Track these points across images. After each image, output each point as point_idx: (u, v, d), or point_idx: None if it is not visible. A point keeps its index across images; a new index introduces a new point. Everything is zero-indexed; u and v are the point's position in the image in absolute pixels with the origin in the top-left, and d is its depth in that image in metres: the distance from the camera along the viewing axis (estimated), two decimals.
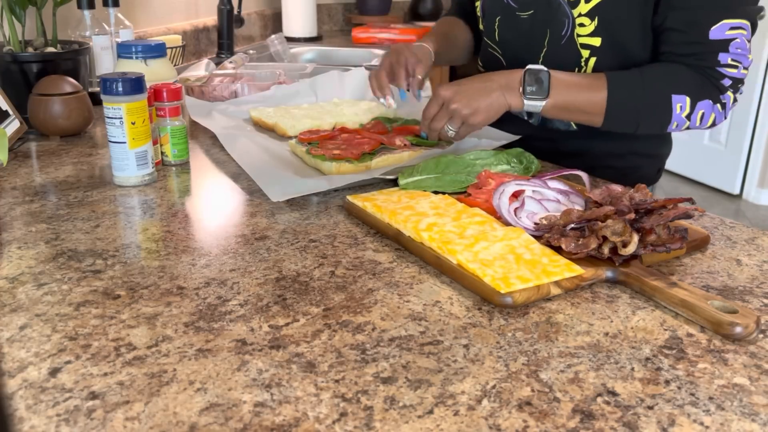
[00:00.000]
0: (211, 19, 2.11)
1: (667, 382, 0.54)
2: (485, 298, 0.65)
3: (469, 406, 0.50)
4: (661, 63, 0.99)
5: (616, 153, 1.12)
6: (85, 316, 0.62)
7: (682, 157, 3.89)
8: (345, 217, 0.86)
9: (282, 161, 1.04)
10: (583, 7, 1.01)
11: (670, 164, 1.27)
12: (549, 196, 0.82)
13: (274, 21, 2.58)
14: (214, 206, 0.90)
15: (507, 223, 0.79)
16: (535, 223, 0.77)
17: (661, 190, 1.22)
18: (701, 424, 0.49)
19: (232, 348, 0.57)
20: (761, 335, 0.61)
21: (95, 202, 0.90)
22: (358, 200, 0.85)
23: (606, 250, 0.70)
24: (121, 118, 0.93)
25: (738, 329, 0.59)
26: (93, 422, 0.48)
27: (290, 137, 1.16)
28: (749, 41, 0.95)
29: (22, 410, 0.50)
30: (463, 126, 0.98)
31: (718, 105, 0.97)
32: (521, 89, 0.96)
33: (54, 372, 0.54)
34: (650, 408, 0.51)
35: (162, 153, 1.04)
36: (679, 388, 0.53)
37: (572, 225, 0.74)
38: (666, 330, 0.61)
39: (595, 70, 1.04)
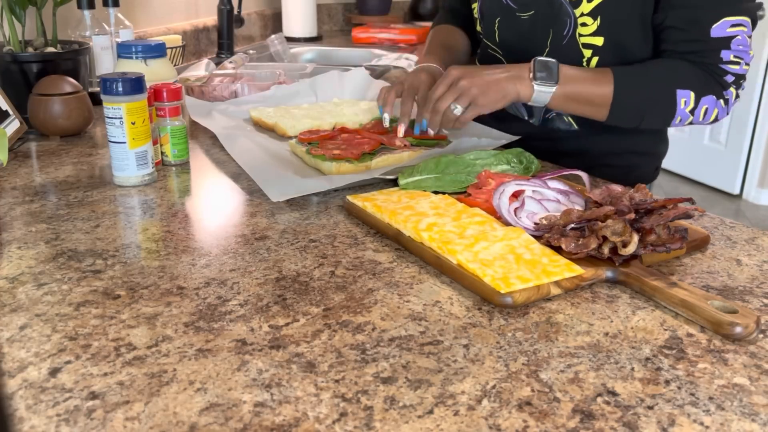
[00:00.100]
0: (211, 19, 2.11)
1: (667, 382, 0.54)
2: (485, 298, 0.65)
3: (469, 406, 0.50)
4: (664, 59, 1.00)
5: (615, 152, 1.12)
6: (85, 316, 0.62)
7: (682, 157, 3.89)
8: (345, 217, 0.86)
9: (282, 161, 1.04)
10: (586, 7, 1.01)
11: (671, 164, 1.28)
12: (549, 196, 0.82)
13: (274, 21, 2.58)
14: (214, 206, 0.90)
15: (507, 223, 0.79)
16: (535, 223, 0.77)
17: (661, 190, 1.22)
18: (701, 424, 0.49)
19: (232, 348, 0.57)
20: (761, 335, 0.61)
21: (95, 202, 0.90)
22: (358, 200, 0.85)
23: (606, 250, 0.70)
24: (121, 118, 0.93)
25: (738, 329, 0.59)
26: (93, 422, 0.48)
27: (290, 137, 1.16)
28: (750, 37, 0.96)
29: (22, 410, 0.50)
30: (470, 107, 0.97)
31: (721, 101, 0.98)
32: (531, 76, 0.96)
33: (54, 372, 0.54)
34: (650, 408, 0.51)
35: (162, 153, 1.04)
36: (679, 388, 0.53)
37: (572, 225, 0.74)
38: (666, 330, 0.61)
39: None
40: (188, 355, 0.56)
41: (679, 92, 0.96)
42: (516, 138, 1.11)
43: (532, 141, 1.10)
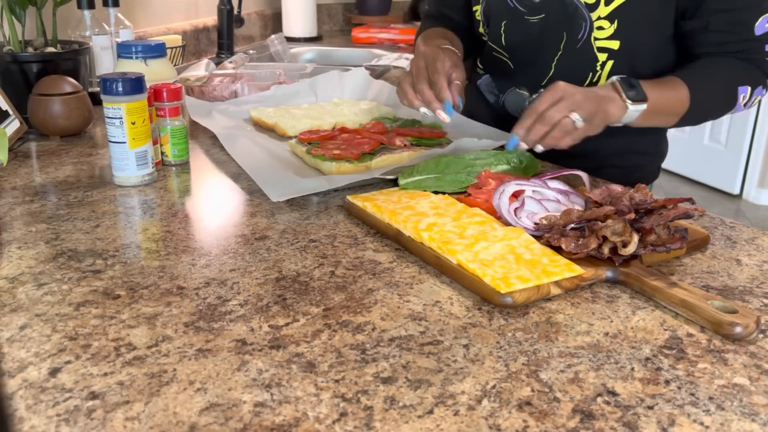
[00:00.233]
0: (211, 19, 2.11)
1: (667, 382, 0.54)
2: (485, 298, 0.65)
3: (469, 406, 0.50)
4: (714, 59, 1.02)
5: (618, 152, 1.12)
6: (85, 316, 0.62)
7: (682, 157, 3.89)
8: (345, 217, 0.86)
9: (282, 161, 1.04)
10: (603, 10, 1.01)
11: (671, 164, 1.28)
12: (549, 196, 0.82)
13: (274, 21, 2.58)
14: (214, 206, 0.90)
15: (507, 223, 0.79)
16: (535, 223, 0.77)
17: (661, 190, 1.22)
18: (701, 424, 0.49)
19: (232, 348, 0.57)
20: (761, 335, 0.61)
21: (95, 202, 0.90)
22: (358, 200, 0.85)
23: (606, 250, 0.70)
24: (121, 118, 0.93)
25: (738, 329, 0.59)
26: (93, 422, 0.48)
27: (290, 137, 1.16)
28: None
29: (22, 410, 0.50)
30: (584, 123, 0.90)
31: (765, 89, 1.05)
32: (622, 96, 0.94)
33: (54, 372, 0.54)
34: (650, 408, 0.51)
35: (162, 153, 1.04)
36: (679, 388, 0.53)
37: (572, 225, 0.74)
38: (666, 330, 0.61)
39: (611, 73, 1.05)
40: (188, 355, 0.56)
41: (740, 89, 1.01)
42: None
43: None
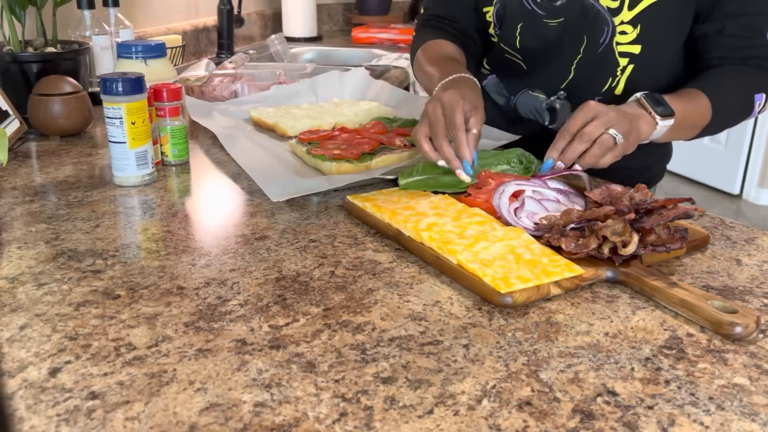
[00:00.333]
0: (211, 19, 2.11)
1: (667, 382, 0.54)
2: (485, 298, 0.65)
3: (469, 406, 0.50)
4: (728, 67, 1.00)
5: (627, 154, 1.09)
6: (85, 316, 0.62)
7: (682, 157, 3.89)
8: (345, 217, 0.86)
9: (282, 161, 1.04)
10: (626, 15, 0.99)
11: (671, 164, 1.28)
12: (549, 196, 0.82)
13: (274, 21, 2.58)
14: (214, 206, 0.90)
15: (507, 223, 0.79)
16: (535, 223, 0.77)
17: (661, 190, 1.22)
18: (701, 424, 0.49)
19: (232, 348, 0.57)
20: (761, 335, 0.61)
21: (95, 202, 0.90)
22: (358, 200, 0.85)
23: (606, 250, 0.70)
24: (121, 118, 0.93)
25: (738, 329, 0.59)
26: (93, 422, 0.48)
27: (290, 137, 1.16)
28: None
29: (22, 410, 0.50)
30: (623, 140, 0.87)
31: None
32: (651, 113, 0.92)
33: (54, 372, 0.54)
34: (650, 408, 0.51)
35: (162, 153, 1.04)
36: (679, 388, 0.53)
37: (572, 225, 0.74)
38: (666, 330, 0.61)
39: (630, 78, 1.04)
40: (188, 355, 0.56)
41: (756, 96, 1.01)
42: (516, 138, 1.11)
43: (532, 141, 1.09)
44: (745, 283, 0.71)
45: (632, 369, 0.55)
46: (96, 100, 1.27)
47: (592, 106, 0.88)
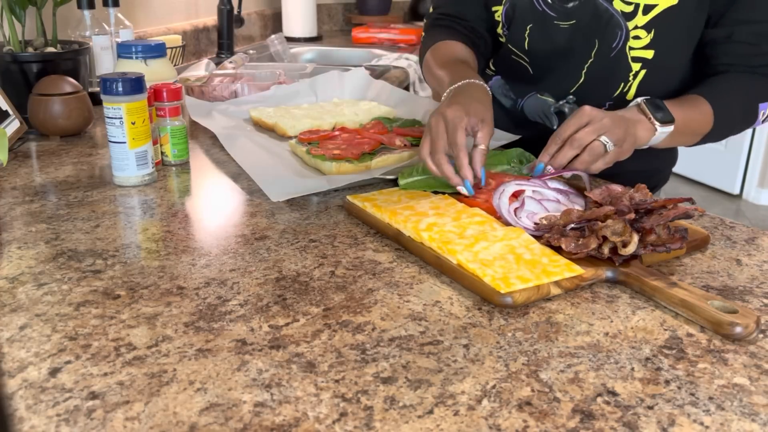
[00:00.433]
0: (211, 19, 2.11)
1: (667, 382, 0.54)
2: (485, 298, 0.65)
3: (469, 406, 0.50)
4: (734, 75, 0.99)
5: (636, 157, 1.03)
6: (85, 316, 0.62)
7: (682, 157, 3.87)
8: (345, 217, 0.86)
9: (282, 161, 1.04)
10: (641, 20, 0.97)
11: None
12: (549, 196, 0.82)
13: (274, 21, 2.58)
14: (214, 206, 0.90)
15: (507, 223, 0.79)
16: (535, 223, 0.77)
17: (661, 190, 1.22)
18: (701, 424, 0.49)
19: (232, 348, 0.57)
20: (761, 335, 0.61)
21: (95, 202, 0.90)
22: (358, 200, 0.85)
23: (606, 250, 0.70)
24: (121, 118, 0.93)
25: (738, 329, 0.59)
26: (93, 422, 0.48)
27: (290, 137, 1.16)
28: None
29: (22, 410, 0.50)
30: (615, 147, 0.86)
31: None
32: (650, 119, 0.91)
33: (54, 372, 0.54)
34: (650, 408, 0.51)
35: (162, 153, 1.04)
36: (679, 388, 0.53)
37: (572, 225, 0.74)
38: (666, 330, 0.61)
39: (642, 83, 1.03)
40: (188, 355, 0.56)
41: (761, 105, 0.99)
42: (516, 138, 1.11)
43: (532, 141, 1.08)
44: (745, 283, 0.71)
45: (632, 369, 0.55)
46: (96, 100, 1.27)
47: (587, 111, 0.87)
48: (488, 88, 0.95)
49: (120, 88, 0.92)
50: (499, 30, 1.12)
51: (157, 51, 1.15)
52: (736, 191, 3.78)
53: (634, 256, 0.70)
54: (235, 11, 2.01)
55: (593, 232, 0.71)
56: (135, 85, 0.93)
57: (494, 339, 0.59)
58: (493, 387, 0.53)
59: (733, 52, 0.99)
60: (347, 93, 1.43)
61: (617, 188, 0.80)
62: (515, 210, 0.80)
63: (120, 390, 0.52)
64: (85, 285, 0.68)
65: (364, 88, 1.44)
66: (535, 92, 1.12)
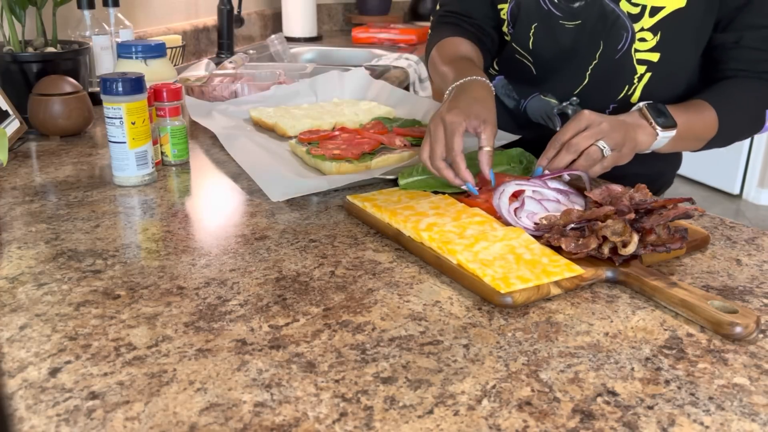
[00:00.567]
0: (211, 19, 2.11)
1: (667, 382, 0.54)
2: (485, 298, 0.65)
3: (469, 406, 0.50)
4: (741, 80, 0.99)
5: (641, 160, 1.02)
6: (85, 316, 0.62)
7: (683, 157, 3.89)
8: (345, 217, 0.86)
9: (282, 161, 1.04)
10: (647, 22, 0.96)
11: None
12: (549, 196, 0.82)
13: (274, 21, 2.58)
14: (214, 206, 0.90)
15: (507, 223, 0.79)
16: (535, 223, 0.77)
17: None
18: (701, 424, 0.49)
19: (232, 348, 0.57)
20: (761, 335, 0.61)
21: (95, 202, 0.90)
22: (358, 200, 0.85)
23: (606, 250, 0.70)
24: (121, 118, 0.93)
25: (738, 329, 0.59)
26: (93, 422, 0.48)
27: (290, 137, 1.16)
28: None
29: (22, 410, 0.50)
30: (613, 152, 0.86)
31: None
32: (651, 123, 0.91)
33: (54, 372, 0.54)
34: (650, 408, 0.51)
35: (162, 153, 1.04)
36: (679, 388, 0.53)
37: (572, 225, 0.74)
38: (666, 330, 0.61)
39: (647, 86, 1.02)
40: (188, 355, 0.56)
41: (767, 112, 0.99)
42: (516, 138, 1.11)
43: (532, 141, 1.08)
44: (745, 283, 0.71)
45: (632, 369, 0.55)
46: (96, 100, 1.27)
47: (586, 116, 0.87)
48: (491, 86, 0.95)
49: (120, 88, 0.92)
50: (505, 28, 1.11)
51: (157, 51, 1.15)
52: (736, 191, 3.78)
53: (634, 256, 0.70)
54: (235, 11, 2.02)
55: (593, 232, 0.71)
56: (135, 85, 0.93)
57: (494, 339, 0.59)
58: (493, 387, 0.53)
59: (742, 57, 0.98)
60: (347, 93, 1.43)
61: (617, 188, 0.80)
62: (515, 210, 0.80)
63: (120, 390, 0.52)
64: (85, 285, 0.68)
65: (364, 88, 1.44)
66: (538, 93, 1.12)
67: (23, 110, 1.16)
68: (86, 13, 1.42)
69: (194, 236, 0.80)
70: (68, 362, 0.55)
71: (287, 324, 0.61)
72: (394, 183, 0.95)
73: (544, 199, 0.81)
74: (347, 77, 1.46)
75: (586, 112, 0.87)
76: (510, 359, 0.56)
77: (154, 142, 1.01)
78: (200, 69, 1.60)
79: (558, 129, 1.09)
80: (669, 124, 0.91)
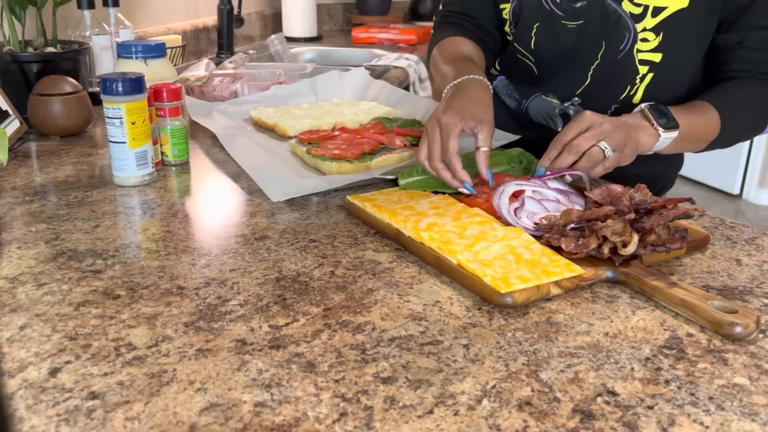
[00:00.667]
0: (211, 19, 2.11)
1: (667, 382, 0.54)
2: (485, 298, 0.65)
3: (469, 406, 0.50)
4: (744, 81, 0.99)
5: (643, 161, 1.03)
6: (85, 316, 0.62)
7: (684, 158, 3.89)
8: (345, 217, 0.86)
9: (282, 161, 1.04)
10: (649, 22, 0.96)
11: None
12: (549, 196, 0.82)
13: (274, 21, 2.58)
14: (214, 206, 0.90)
15: (507, 223, 0.79)
16: (535, 223, 0.77)
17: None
18: (701, 424, 0.49)
19: (232, 348, 0.57)
20: (761, 335, 0.61)
21: (95, 202, 0.90)
22: (358, 200, 0.85)
23: (606, 250, 0.70)
24: (121, 118, 0.93)
25: (738, 329, 0.59)
26: (93, 422, 0.48)
27: (290, 137, 1.16)
28: None
29: (22, 410, 0.50)
30: (614, 153, 0.86)
31: None
32: (653, 125, 0.91)
33: (54, 372, 0.54)
34: (650, 408, 0.51)
35: (162, 153, 1.04)
36: (679, 388, 0.53)
37: (572, 225, 0.74)
38: (666, 330, 0.61)
39: (649, 87, 1.02)
40: (188, 355, 0.56)
41: None
42: (516, 138, 1.11)
43: (532, 141, 1.08)
44: (745, 283, 0.71)
45: (632, 369, 0.55)
46: (96, 100, 1.27)
47: (587, 117, 0.87)
48: (489, 84, 0.95)
49: (120, 88, 0.92)
50: (507, 28, 1.11)
51: (157, 51, 1.15)
52: (736, 191, 3.78)
53: (634, 256, 0.70)
54: (235, 11, 2.02)
55: (593, 232, 0.71)
56: (135, 85, 0.93)
57: (494, 339, 0.59)
58: (493, 387, 0.53)
59: (744, 58, 0.98)
60: (347, 93, 1.43)
61: (617, 188, 0.80)
62: (515, 210, 0.80)
63: (120, 390, 0.52)
64: (85, 285, 0.68)
65: (364, 88, 1.44)
66: (539, 93, 1.12)
67: (23, 110, 1.16)
68: (86, 13, 1.42)
69: (194, 236, 0.80)
70: (68, 362, 0.55)
71: (287, 324, 0.61)
72: (394, 183, 0.95)
73: (544, 199, 0.81)
74: (347, 77, 1.46)
75: (588, 113, 0.87)
76: (510, 359, 0.56)
77: (154, 142, 1.01)
78: (200, 69, 1.60)
79: (559, 129, 1.09)
80: (671, 125, 0.91)
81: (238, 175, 1.01)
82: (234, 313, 0.63)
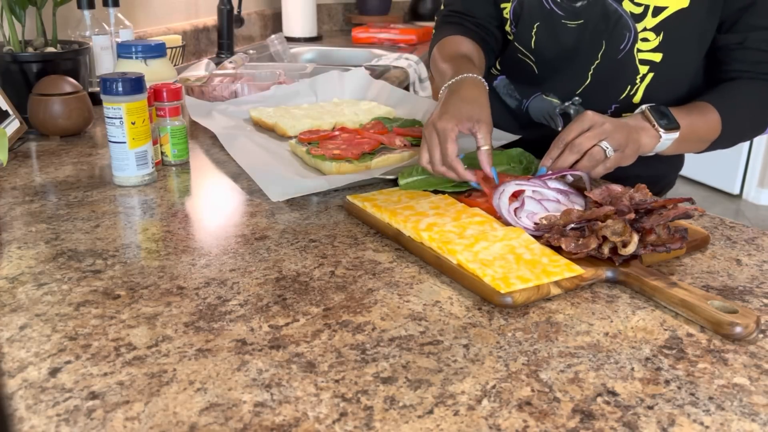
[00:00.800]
0: (211, 19, 2.11)
1: (667, 382, 0.54)
2: (485, 298, 0.65)
3: (469, 406, 0.50)
4: (745, 82, 0.99)
5: (644, 162, 1.02)
6: (85, 316, 0.62)
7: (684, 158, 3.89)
8: (345, 217, 0.86)
9: (282, 161, 1.04)
10: (650, 21, 0.96)
11: None
12: (549, 196, 0.82)
13: (274, 21, 2.58)
14: (214, 206, 0.90)
15: (507, 223, 0.79)
16: (535, 223, 0.77)
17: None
18: (701, 424, 0.49)
19: (232, 348, 0.57)
20: (761, 335, 0.61)
21: (95, 202, 0.90)
22: (358, 200, 0.85)
23: (606, 250, 0.70)
24: (121, 118, 0.93)
25: (738, 329, 0.59)
26: (93, 422, 0.48)
27: (290, 137, 1.16)
28: None
29: (22, 410, 0.50)
30: (616, 152, 0.86)
31: None
32: (654, 126, 0.91)
33: (54, 372, 0.54)
34: (650, 408, 0.51)
35: (162, 153, 1.04)
36: (679, 388, 0.53)
37: (572, 225, 0.74)
38: (666, 330, 0.61)
39: (650, 86, 1.02)
40: (188, 355, 0.56)
41: None
42: (516, 138, 1.11)
43: (532, 141, 1.08)
44: (745, 283, 0.71)
45: (632, 369, 0.55)
46: (96, 100, 1.27)
47: (589, 116, 0.87)
48: (484, 82, 0.95)
49: (120, 88, 0.92)
50: (507, 28, 1.11)
51: (157, 51, 1.15)
52: (736, 191, 3.78)
53: (634, 256, 0.70)
54: (235, 11, 2.02)
55: (593, 232, 0.71)
56: (135, 85, 0.93)
57: (494, 339, 0.59)
58: (493, 387, 0.53)
59: (746, 59, 0.98)
60: (347, 93, 1.43)
61: (617, 188, 0.80)
62: (515, 210, 0.80)
63: (120, 390, 0.52)
64: (85, 285, 0.68)
65: (364, 88, 1.44)
66: (540, 93, 1.12)
67: (23, 110, 1.16)
68: (86, 13, 1.42)
69: (194, 236, 0.80)
70: (68, 362, 0.55)
71: (287, 324, 0.61)
72: (394, 183, 0.95)
73: (544, 199, 0.81)
74: (347, 77, 1.46)
75: (589, 112, 0.87)
76: (510, 359, 0.56)
77: (154, 142, 1.01)
78: (200, 69, 1.60)
79: (560, 129, 1.09)
80: (672, 126, 0.91)
81: (238, 175, 1.01)
82: (234, 313, 0.63)
